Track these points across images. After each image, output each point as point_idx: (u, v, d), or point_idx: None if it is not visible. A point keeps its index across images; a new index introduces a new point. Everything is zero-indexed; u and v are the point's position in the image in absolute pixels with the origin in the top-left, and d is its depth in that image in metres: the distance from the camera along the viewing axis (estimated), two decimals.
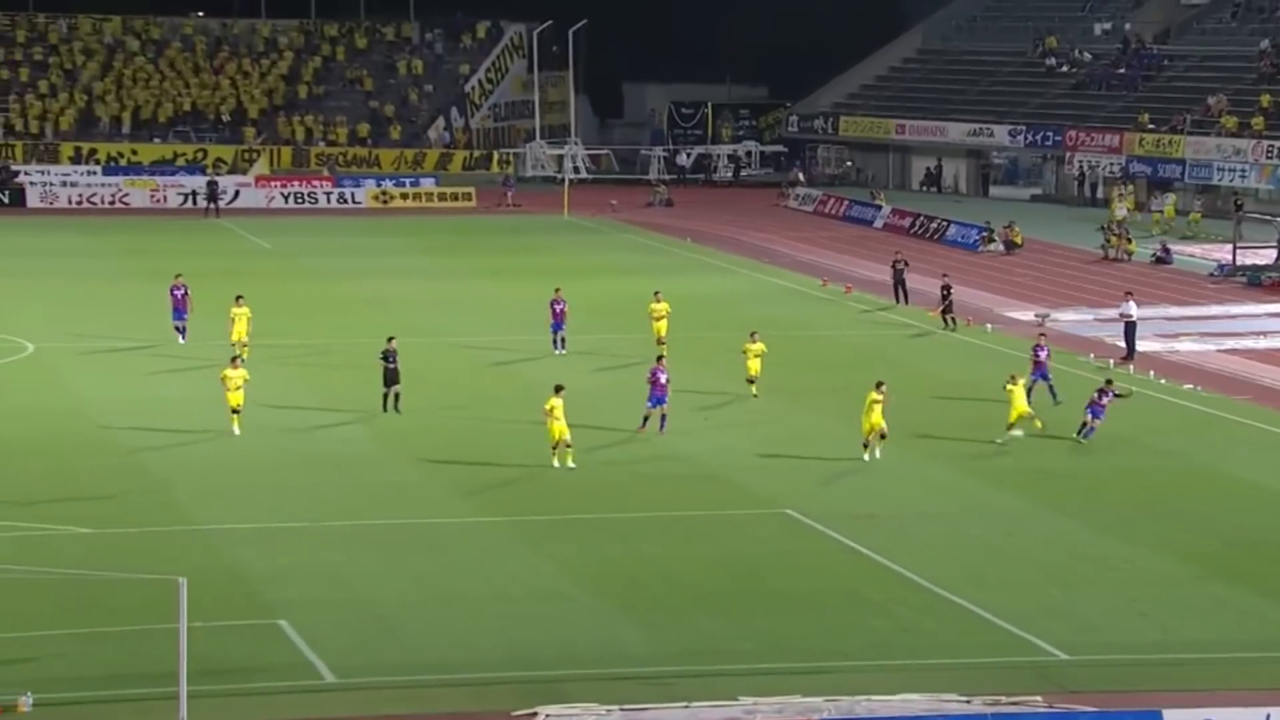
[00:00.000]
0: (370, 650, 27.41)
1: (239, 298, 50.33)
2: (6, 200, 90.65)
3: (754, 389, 45.90)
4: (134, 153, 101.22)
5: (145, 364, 49.88)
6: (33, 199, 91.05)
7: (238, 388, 41.17)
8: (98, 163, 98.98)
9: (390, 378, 43.46)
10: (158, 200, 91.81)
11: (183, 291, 52.63)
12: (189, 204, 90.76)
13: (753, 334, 46.93)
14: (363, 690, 25.87)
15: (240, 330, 49.51)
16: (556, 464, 38.19)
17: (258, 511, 35.15)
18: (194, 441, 40.70)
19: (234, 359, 43.18)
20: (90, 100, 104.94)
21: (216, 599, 28.78)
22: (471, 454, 39.82)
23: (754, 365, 46.08)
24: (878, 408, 39.12)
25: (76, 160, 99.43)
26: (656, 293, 52.88)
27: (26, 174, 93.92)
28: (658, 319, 51.73)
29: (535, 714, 24.93)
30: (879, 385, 39.62)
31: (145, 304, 57.36)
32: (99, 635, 27.76)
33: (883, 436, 39.16)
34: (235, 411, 41.16)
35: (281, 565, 31.61)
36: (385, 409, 43.35)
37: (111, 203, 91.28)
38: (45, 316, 57.59)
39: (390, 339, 44.00)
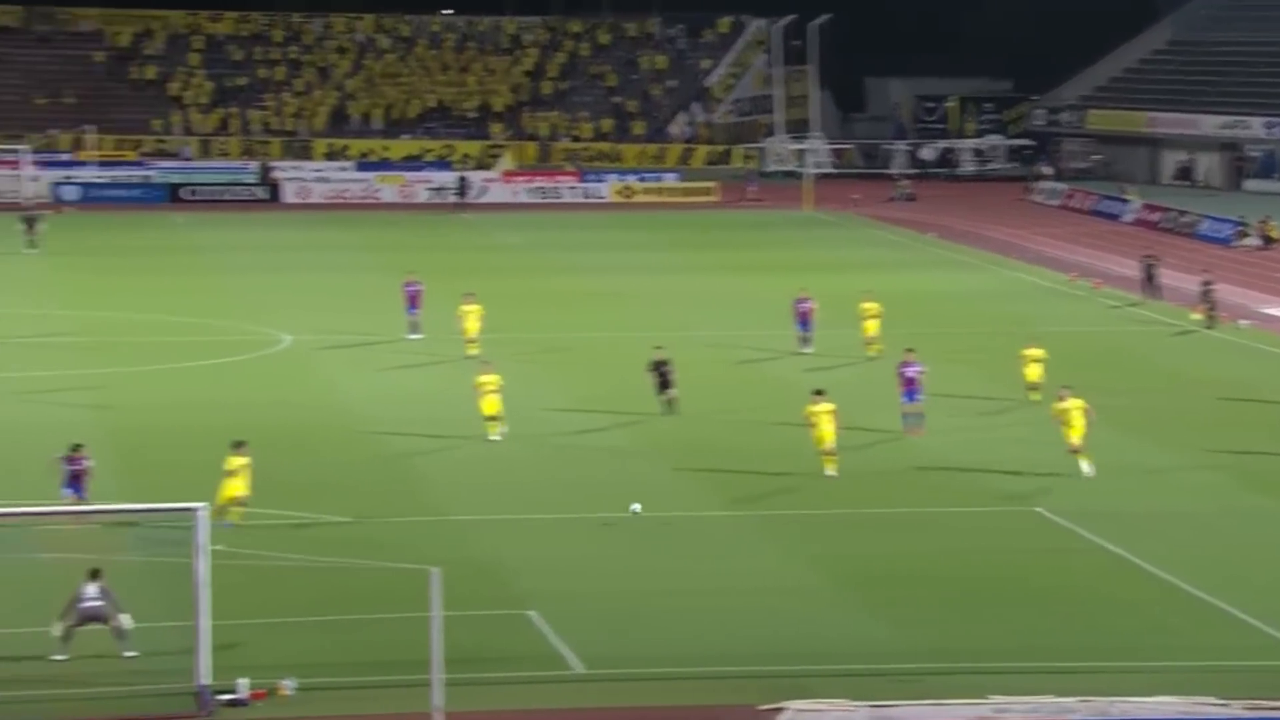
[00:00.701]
0: (619, 642, 27.62)
1: (468, 295, 50.84)
2: (265, 196, 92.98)
3: (1035, 395, 43.84)
4: (385, 149, 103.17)
5: (395, 358, 50.76)
6: (289, 194, 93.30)
7: (492, 391, 40.24)
8: (350, 159, 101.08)
9: (664, 384, 42.92)
10: (407, 195, 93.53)
11: (415, 288, 53.38)
12: (438, 199, 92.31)
13: (1031, 339, 45.85)
14: (611, 681, 26.06)
15: (471, 326, 49.96)
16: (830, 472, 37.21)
17: (507, 503, 35.59)
18: (445, 434, 41.25)
19: (484, 363, 42.56)
20: (343, 97, 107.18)
21: (468, 589, 29.15)
22: (719, 450, 39.87)
23: (1033, 371, 44.19)
24: (1073, 415, 37.09)
25: (330, 156, 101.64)
26: (867, 292, 52.08)
27: (283, 170, 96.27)
28: (868, 319, 50.88)
29: (781, 709, 24.91)
30: (1062, 392, 37.77)
31: (395, 298, 58.35)
32: (357, 623, 28.35)
33: (1074, 451, 36.99)
34: (493, 419, 40.09)
35: (531, 556, 31.99)
36: (665, 412, 42.72)
37: (363, 198, 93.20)
38: (301, 309, 58.96)
39: (658, 348, 43.74)
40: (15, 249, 69.58)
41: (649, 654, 27.06)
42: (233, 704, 24.99)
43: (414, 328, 53.18)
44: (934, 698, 25.17)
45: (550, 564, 31.55)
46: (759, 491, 36.42)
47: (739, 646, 27.36)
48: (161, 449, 39.78)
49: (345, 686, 25.74)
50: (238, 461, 33.58)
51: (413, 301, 53.36)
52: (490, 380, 40.61)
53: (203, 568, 25.63)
